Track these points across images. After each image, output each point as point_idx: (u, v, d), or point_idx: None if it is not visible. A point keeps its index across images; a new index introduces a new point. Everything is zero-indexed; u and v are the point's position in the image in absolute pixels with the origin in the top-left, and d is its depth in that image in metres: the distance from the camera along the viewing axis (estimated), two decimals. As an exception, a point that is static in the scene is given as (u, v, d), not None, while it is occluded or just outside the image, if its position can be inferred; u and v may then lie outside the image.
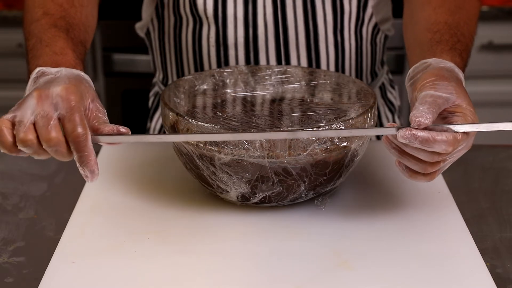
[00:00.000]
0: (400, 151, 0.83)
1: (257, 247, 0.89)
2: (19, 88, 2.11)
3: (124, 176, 1.05)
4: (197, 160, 0.92)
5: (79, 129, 0.80)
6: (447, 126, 0.81)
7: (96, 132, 0.83)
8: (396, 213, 0.96)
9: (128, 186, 1.02)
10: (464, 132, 0.82)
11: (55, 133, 0.80)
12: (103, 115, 0.85)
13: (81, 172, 0.82)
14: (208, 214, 0.95)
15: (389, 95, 1.32)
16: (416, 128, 0.79)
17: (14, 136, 0.81)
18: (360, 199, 0.99)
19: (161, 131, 1.30)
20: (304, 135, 0.85)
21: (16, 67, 2.04)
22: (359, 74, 1.21)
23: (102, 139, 0.83)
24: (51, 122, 0.80)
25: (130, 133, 0.84)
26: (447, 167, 0.86)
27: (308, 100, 1.02)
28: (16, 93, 2.07)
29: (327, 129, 0.87)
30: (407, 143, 0.80)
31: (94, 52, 2.05)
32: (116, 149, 1.13)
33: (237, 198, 0.94)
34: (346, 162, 0.93)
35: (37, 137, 0.81)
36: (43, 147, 0.81)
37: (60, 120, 0.81)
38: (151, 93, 1.37)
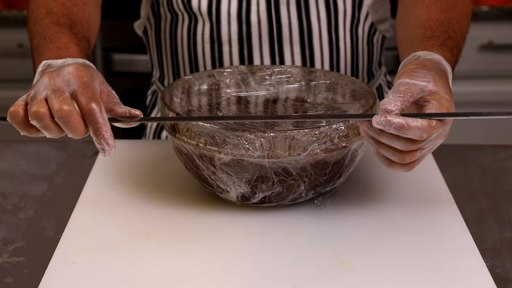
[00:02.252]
0: (377, 141, 0.84)
1: (257, 247, 0.89)
2: (19, 88, 2.11)
3: (124, 176, 1.05)
4: (197, 160, 0.92)
5: (93, 101, 0.80)
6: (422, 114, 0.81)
7: (109, 112, 0.84)
8: (396, 213, 0.96)
9: (128, 186, 1.02)
10: (439, 120, 0.82)
11: (66, 104, 0.80)
12: (115, 97, 0.85)
13: (98, 146, 0.82)
14: (208, 214, 0.95)
15: (386, 96, 1.32)
16: (390, 114, 0.80)
17: (26, 112, 0.81)
18: (360, 199, 0.99)
19: (158, 129, 1.30)
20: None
21: (16, 67, 2.04)
22: (354, 73, 1.21)
23: (115, 123, 0.83)
24: (63, 95, 0.80)
25: (142, 115, 0.84)
26: (425, 157, 0.86)
27: (309, 100, 1.02)
28: (16, 93, 2.08)
29: (301, 114, 0.88)
30: (382, 128, 0.80)
31: (94, 52, 2.05)
32: (116, 149, 1.12)
33: (237, 198, 0.94)
34: (346, 162, 0.93)
35: (49, 110, 0.80)
36: (55, 119, 0.80)
37: (73, 96, 0.81)
38: (149, 92, 1.37)
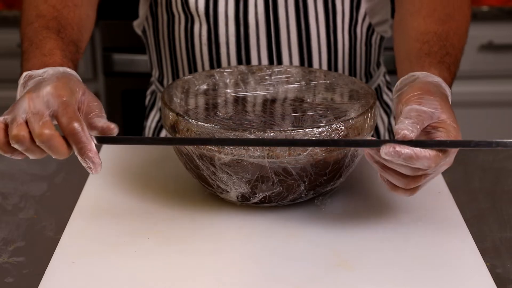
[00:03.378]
0: (383, 165, 0.83)
1: (257, 247, 0.89)
2: (19, 88, 2.11)
3: (124, 176, 1.05)
4: (197, 160, 0.92)
5: (74, 121, 0.81)
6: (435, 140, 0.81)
7: (89, 126, 0.83)
8: (396, 213, 0.96)
9: (128, 186, 1.02)
10: (447, 149, 0.81)
11: (47, 128, 0.80)
12: (97, 107, 0.85)
13: (84, 165, 0.82)
14: (208, 214, 0.95)
15: (385, 97, 1.32)
16: (399, 145, 0.79)
17: (7, 136, 0.82)
18: (360, 199, 0.99)
19: (157, 129, 1.30)
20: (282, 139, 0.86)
21: (16, 67, 2.03)
22: (352, 74, 1.21)
23: (96, 140, 0.83)
24: (43, 119, 0.81)
25: (117, 130, 0.84)
26: (428, 182, 0.85)
27: (309, 100, 1.01)
28: (16, 93, 2.08)
29: (304, 138, 0.87)
30: (391, 160, 0.80)
31: (94, 52, 2.05)
32: (116, 149, 1.13)
33: (237, 198, 0.94)
34: (346, 162, 0.93)
35: (30, 133, 0.81)
36: (37, 143, 0.81)
37: (54, 116, 0.82)
38: (148, 92, 1.37)
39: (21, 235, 0.94)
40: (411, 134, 0.79)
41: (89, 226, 0.93)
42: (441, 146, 0.81)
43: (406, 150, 0.79)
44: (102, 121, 0.84)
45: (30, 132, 0.81)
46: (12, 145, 0.82)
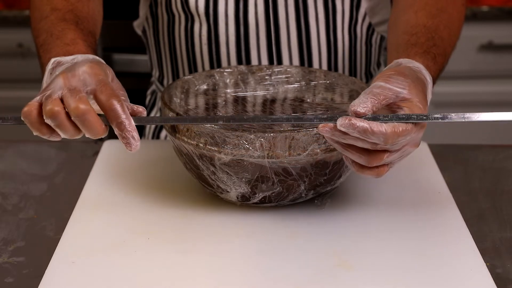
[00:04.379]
0: (342, 144, 0.82)
1: (257, 247, 0.89)
2: (19, 88, 2.12)
3: (124, 176, 1.05)
4: (197, 160, 0.92)
5: (113, 98, 0.80)
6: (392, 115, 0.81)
7: None
8: (396, 213, 0.96)
9: (128, 186, 1.02)
10: (407, 127, 0.81)
11: (83, 103, 0.79)
12: (123, 95, 0.85)
13: (123, 141, 0.82)
14: (208, 214, 0.95)
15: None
16: (355, 118, 0.79)
17: (40, 112, 0.81)
18: (360, 199, 0.99)
19: (157, 129, 1.30)
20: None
21: (16, 67, 2.04)
22: (352, 74, 1.21)
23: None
24: (80, 94, 0.80)
25: (145, 113, 0.85)
26: (395, 162, 0.84)
27: (309, 100, 1.02)
28: (16, 93, 2.08)
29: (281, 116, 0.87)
30: (346, 131, 0.79)
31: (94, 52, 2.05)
32: (116, 149, 1.13)
33: (237, 198, 0.94)
34: (346, 162, 0.93)
35: (64, 109, 0.80)
36: (72, 118, 0.80)
37: (92, 95, 0.81)
38: (148, 92, 1.37)
39: (21, 235, 0.94)
40: (363, 110, 0.79)
41: (89, 226, 0.93)
42: (393, 120, 0.80)
43: (361, 123, 0.78)
44: (131, 105, 0.84)
45: (64, 108, 0.80)
46: (45, 120, 0.81)
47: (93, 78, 0.82)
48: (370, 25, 1.20)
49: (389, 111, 0.83)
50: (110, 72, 0.86)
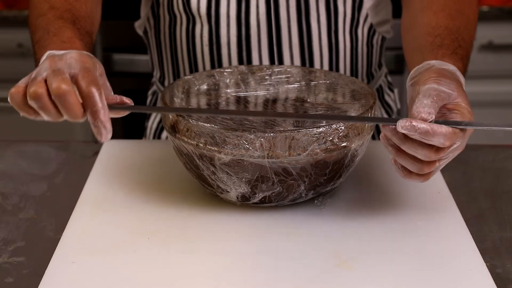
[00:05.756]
0: (398, 149, 0.83)
1: (257, 247, 0.89)
2: (19, 88, 2.10)
3: (124, 176, 1.05)
4: (197, 160, 0.92)
5: (93, 85, 0.81)
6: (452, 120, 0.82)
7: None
8: (396, 213, 0.96)
9: (128, 186, 1.02)
10: (461, 130, 0.82)
11: (65, 84, 0.80)
12: (110, 90, 0.87)
13: (94, 130, 0.82)
14: (208, 214, 0.95)
15: (386, 97, 1.32)
16: (416, 120, 0.80)
17: (26, 94, 0.82)
18: (360, 199, 0.99)
19: (158, 130, 1.30)
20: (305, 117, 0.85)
21: (16, 67, 2.04)
22: (354, 75, 1.21)
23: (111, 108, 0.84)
24: (63, 75, 0.81)
25: (132, 103, 0.86)
26: (441, 168, 0.85)
27: (309, 100, 1.02)
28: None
29: (325, 113, 0.87)
30: (407, 133, 0.80)
31: (94, 52, 2.05)
32: (116, 149, 1.13)
33: (237, 198, 0.94)
34: (346, 162, 0.93)
35: (48, 91, 0.81)
36: (52, 98, 0.81)
37: (73, 79, 0.82)
38: (149, 92, 1.37)
39: (21, 235, 0.94)
40: (428, 116, 0.80)
41: (89, 226, 0.93)
42: (455, 125, 0.81)
43: (423, 125, 0.79)
44: (115, 96, 0.85)
45: (48, 90, 0.81)
46: (29, 102, 0.82)
47: (78, 63, 0.83)
48: (371, 26, 1.20)
49: (439, 113, 0.84)
50: (99, 67, 0.87)
